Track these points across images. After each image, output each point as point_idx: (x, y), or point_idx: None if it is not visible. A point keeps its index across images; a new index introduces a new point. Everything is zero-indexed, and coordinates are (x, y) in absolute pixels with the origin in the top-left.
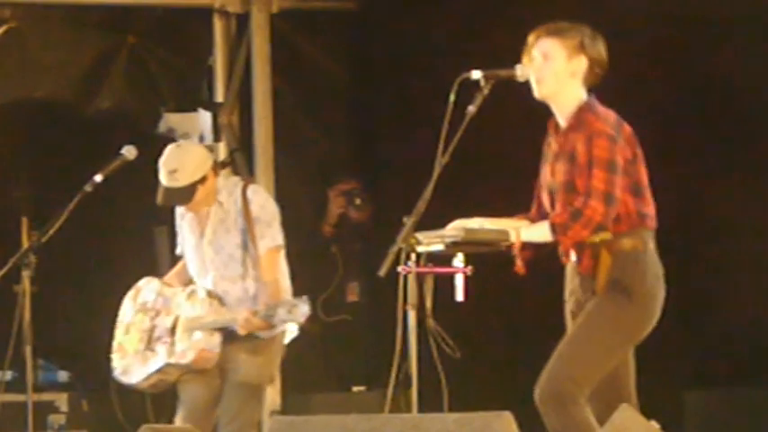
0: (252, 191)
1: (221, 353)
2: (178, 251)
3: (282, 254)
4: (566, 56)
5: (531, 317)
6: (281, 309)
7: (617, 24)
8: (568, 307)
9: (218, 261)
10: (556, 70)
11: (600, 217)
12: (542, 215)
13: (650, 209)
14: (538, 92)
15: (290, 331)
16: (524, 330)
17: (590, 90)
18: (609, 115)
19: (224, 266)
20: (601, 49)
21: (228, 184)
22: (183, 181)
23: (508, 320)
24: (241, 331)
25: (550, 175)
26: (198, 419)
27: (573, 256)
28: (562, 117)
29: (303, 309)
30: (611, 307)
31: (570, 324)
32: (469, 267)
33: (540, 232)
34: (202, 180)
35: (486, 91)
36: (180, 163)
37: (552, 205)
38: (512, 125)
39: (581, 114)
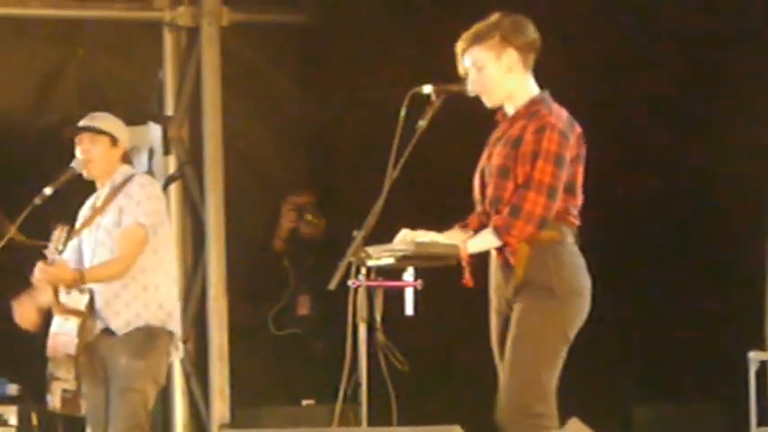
0: (140, 175)
1: (104, 359)
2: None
3: (163, 250)
4: (494, 57)
5: (480, 331)
6: None
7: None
8: (493, 304)
9: (94, 240)
10: (492, 76)
11: (541, 209)
12: (479, 218)
13: (576, 207)
14: (490, 103)
15: (177, 351)
16: (474, 344)
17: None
18: (562, 112)
19: (99, 244)
20: (527, 33)
21: (128, 172)
22: (97, 123)
23: (458, 334)
24: (37, 281)
25: (486, 159)
26: (105, 428)
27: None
28: (513, 107)
29: None
30: (539, 311)
31: (494, 321)
32: (420, 281)
33: (485, 241)
34: (113, 141)
35: (437, 105)
36: (104, 116)
37: (481, 191)
38: (462, 138)
39: (533, 105)
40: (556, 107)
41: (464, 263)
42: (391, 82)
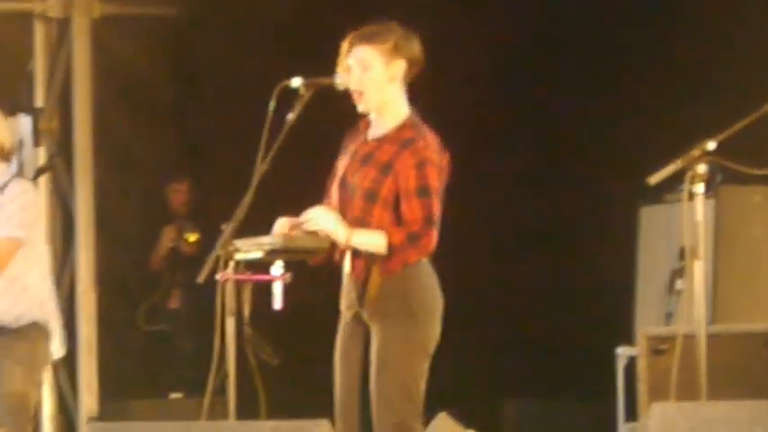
0: (15, 182)
1: None
2: None
3: (35, 252)
4: (383, 62)
5: None
6: None
7: None
8: (344, 318)
9: None
10: (376, 80)
11: (432, 247)
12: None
13: None
14: (363, 106)
15: (58, 350)
16: None
17: (411, 100)
18: (434, 141)
19: None
20: (416, 48)
21: (6, 175)
22: None
23: (327, 328)
24: None
25: (349, 173)
26: None
27: (347, 264)
28: (382, 123)
29: None
30: (402, 336)
31: (344, 336)
32: (288, 275)
33: (373, 243)
34: None
35: (306, 98)
36: None
37: (343, 202)
38: (331, 131)
39: (406, 132)
40: (427, 133)
41: (339, 249)
42: (261, 75)
